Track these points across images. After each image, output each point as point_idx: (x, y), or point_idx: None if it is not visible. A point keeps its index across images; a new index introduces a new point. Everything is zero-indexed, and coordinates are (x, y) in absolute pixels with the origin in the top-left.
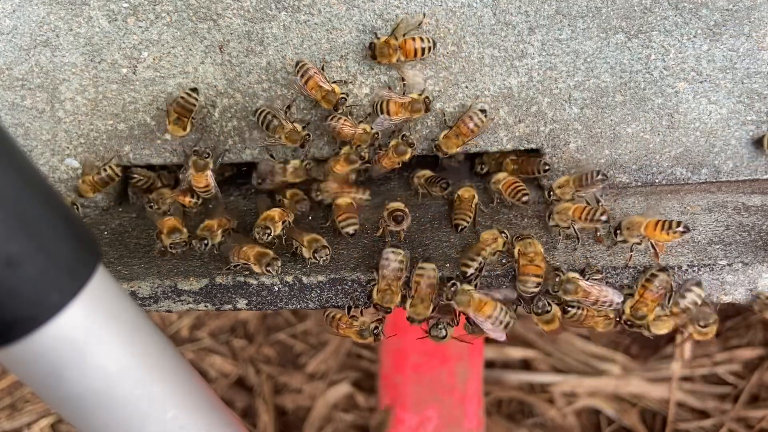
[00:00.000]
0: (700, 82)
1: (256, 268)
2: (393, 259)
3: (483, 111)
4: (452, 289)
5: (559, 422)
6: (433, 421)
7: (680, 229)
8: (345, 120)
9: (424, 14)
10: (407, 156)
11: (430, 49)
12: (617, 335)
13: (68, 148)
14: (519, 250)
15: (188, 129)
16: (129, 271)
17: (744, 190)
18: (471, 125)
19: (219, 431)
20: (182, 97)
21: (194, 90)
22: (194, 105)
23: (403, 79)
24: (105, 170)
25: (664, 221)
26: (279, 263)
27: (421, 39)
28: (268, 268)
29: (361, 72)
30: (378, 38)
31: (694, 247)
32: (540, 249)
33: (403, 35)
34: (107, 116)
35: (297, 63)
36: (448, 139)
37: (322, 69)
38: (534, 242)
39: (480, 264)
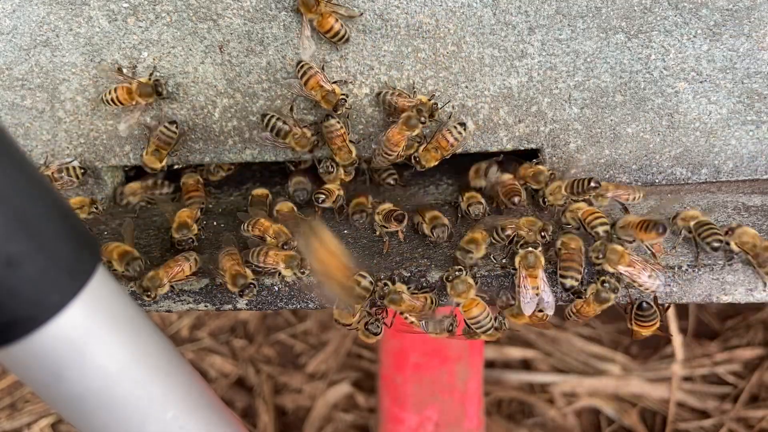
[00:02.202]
0: (700, 82)
1: (286, 272)
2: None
3: (462, 124)
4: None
5: (559, 422)
6: (433, 421)
7: (656, 230)
8: (343, 130)
9: (361, 13)
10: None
11: (341, 39)
12: (617, 335)
13: (68, 148)
14: (520, 261)
15: (164, 162)
16: None
17: (744, 190)
18: (450, 139)
19: (219, 431)
20: (161, 131)
21: (173, 123)
22: (173, 137)
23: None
24: (66, 170)
25: (646, 221)
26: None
27: (341, 25)
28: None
29: (361, 72)
30: None
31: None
32: (542, 260)
33: (330, 8)
34: (107, 116)
35: (298, 62)
36: (427, 152)
37: (323, 69)
38: (537, 253)
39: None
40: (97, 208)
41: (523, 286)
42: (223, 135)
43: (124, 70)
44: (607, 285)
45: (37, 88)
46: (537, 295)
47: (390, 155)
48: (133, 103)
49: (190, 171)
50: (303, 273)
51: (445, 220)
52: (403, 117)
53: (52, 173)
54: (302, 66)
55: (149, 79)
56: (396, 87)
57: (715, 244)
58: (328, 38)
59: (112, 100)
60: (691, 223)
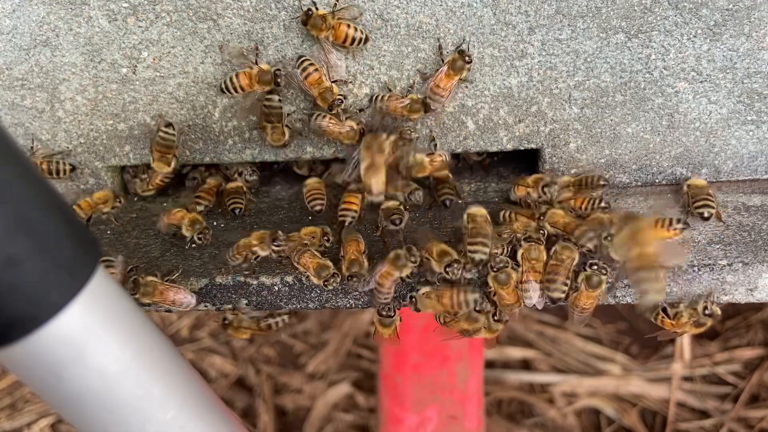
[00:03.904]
0: (700, 82)
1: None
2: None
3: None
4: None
5: (559, 422)
6: (433, 421)
7: (680, 225)
8: (330, 118)
9: (362, 12)
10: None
11: (361, 41)
12: (617, 335)
13: (68, 147)
14: (523, 254)
15: (172, 164)
16: None
17: (744, 190)
18: (435, 165)
19: (219, 431)
20: (160, 136)
21: (169, 125)
22: (173, 140)
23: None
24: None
25: (664, 219)
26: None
27: (356, 29)
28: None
29: (361, 72)
30: (317, 9)
31: (694, 247)
32: (544, 256)
33: (338, 18)
34: (107, 116)
35: (299, 57)
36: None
37: (325, 67)
38: (540, 248)
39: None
40: (120, 202)
41: (527, 280)
42: (223, 135)
43: (248, 55)
44: (595, 267)
45: (37, 88)
46: (539, 286)
47: (439, 101)
48: (252, 89)
49: (210, 174)
50: (326, 284)
51: (455, 254)
52: (448, 61)
53: (39, 163)
54: (303, 61)
55: (270, 66)
56: (391, 90)
57: (706, 214)
58: (348, 46)
59: (234, 87)
60: (690, 189)
